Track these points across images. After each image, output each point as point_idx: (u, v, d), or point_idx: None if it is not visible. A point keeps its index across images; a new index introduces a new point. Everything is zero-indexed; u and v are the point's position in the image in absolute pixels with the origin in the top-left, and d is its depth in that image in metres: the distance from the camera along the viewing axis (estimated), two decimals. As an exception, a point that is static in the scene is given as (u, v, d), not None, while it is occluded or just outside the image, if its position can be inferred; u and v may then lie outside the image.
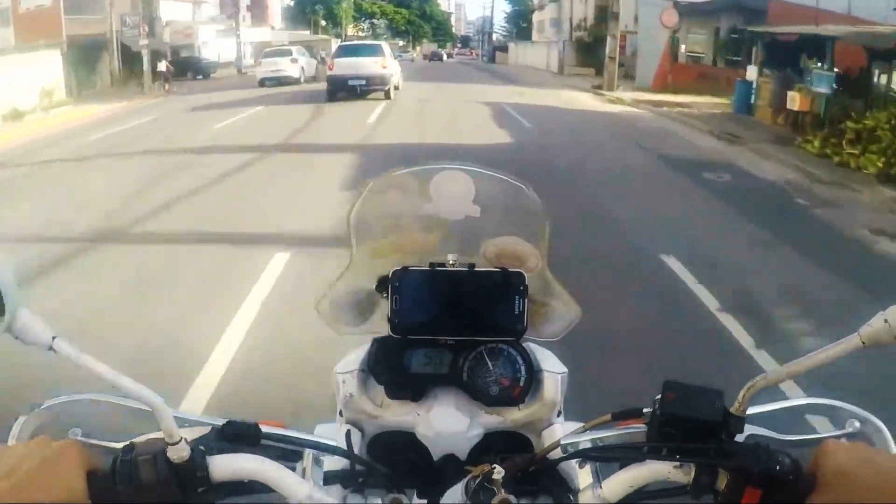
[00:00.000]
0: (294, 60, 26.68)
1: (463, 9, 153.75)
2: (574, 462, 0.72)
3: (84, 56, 23.35)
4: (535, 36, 52.70)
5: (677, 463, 0.64)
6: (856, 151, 9.13)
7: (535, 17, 55.28)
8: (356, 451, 0.75)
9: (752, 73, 14.69)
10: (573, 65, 34.32)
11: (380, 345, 0.83)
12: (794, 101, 11.93)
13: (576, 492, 0.72)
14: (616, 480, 0.67)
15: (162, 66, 25.03)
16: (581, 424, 0.72)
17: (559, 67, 35.69)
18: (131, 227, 6.54)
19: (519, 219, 0.88)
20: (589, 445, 0.71)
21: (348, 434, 0.78)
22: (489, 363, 0.82)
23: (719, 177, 8.92)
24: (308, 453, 0.73)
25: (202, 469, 0.64)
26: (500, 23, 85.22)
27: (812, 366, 0.59)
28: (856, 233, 6.48)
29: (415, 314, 0.81)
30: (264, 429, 0.69)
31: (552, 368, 0.83)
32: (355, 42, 30.61)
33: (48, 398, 0.72)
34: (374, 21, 77.96)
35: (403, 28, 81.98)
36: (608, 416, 0.68)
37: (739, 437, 0.63)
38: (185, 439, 0.63)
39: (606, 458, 0.70)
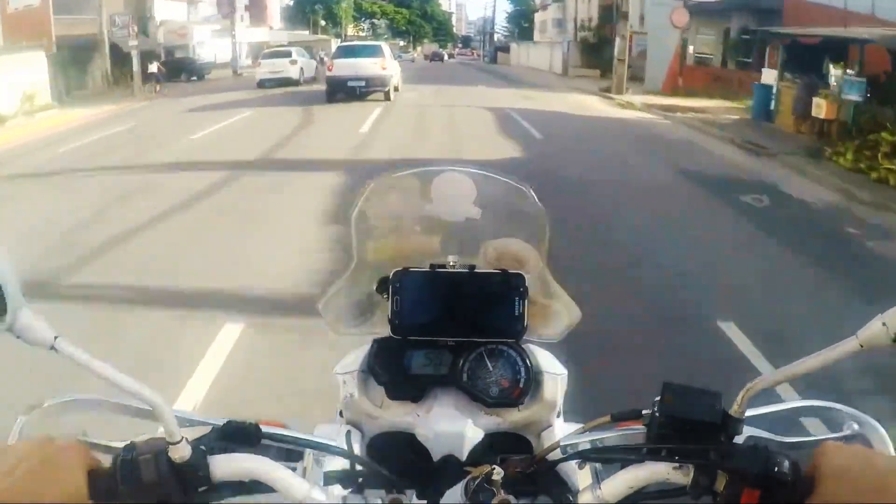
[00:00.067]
0: (293, 62, 26.50)
1: (464, 9, 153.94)
2: (573, 463, 0.73)
3: (75, 57, 22.89)
4: (536, 36, 52.63)
5: (676, 464, 0.64)
6: (894, 167, 8.55)
7: (538, 17, 55.25)
8: (356, 451, 0.75)
9: (767, 76, 13.96)
10: (577, 66, 34.00)
11: (380, 346, 0.83)
12: (821, 108, 11.05)
13: (575, 493, 0.72)
14: (615, 481, 0.67)
15: (153, 67, 24.71)
16: (580, 425, 0.72)
17: (563, 69, 35.31)
18: (58, 279, 5.24)
19: (519, 220, 0.88)
20: (588, 446, 0.71)
21: (348, 434, 0.78)
22: (489, 364, 0.82)
23: (757, 200, 7.76)
24: (308, 453, 0.74)
25: (203, 468, 0.64)
26: (501, 23, 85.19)
27: (810, 368, 0.60)
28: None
29: (415, 315, 0.82)
30: (265, 429, 0.69)
31: (552, 370, 0.83)
32: (355, 43, 30.38)
33: (48, 398, 0.72)
34: (375, 21, 77.90)
35: (404, 28, 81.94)
36: (607, 418, 0.68)
37: (738, 439, 0.64)
38: (186, 439, 0.63)
39: (606, 459, 0.70)
